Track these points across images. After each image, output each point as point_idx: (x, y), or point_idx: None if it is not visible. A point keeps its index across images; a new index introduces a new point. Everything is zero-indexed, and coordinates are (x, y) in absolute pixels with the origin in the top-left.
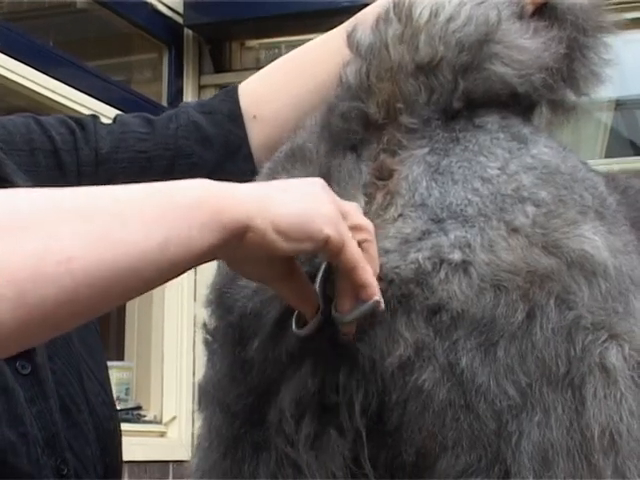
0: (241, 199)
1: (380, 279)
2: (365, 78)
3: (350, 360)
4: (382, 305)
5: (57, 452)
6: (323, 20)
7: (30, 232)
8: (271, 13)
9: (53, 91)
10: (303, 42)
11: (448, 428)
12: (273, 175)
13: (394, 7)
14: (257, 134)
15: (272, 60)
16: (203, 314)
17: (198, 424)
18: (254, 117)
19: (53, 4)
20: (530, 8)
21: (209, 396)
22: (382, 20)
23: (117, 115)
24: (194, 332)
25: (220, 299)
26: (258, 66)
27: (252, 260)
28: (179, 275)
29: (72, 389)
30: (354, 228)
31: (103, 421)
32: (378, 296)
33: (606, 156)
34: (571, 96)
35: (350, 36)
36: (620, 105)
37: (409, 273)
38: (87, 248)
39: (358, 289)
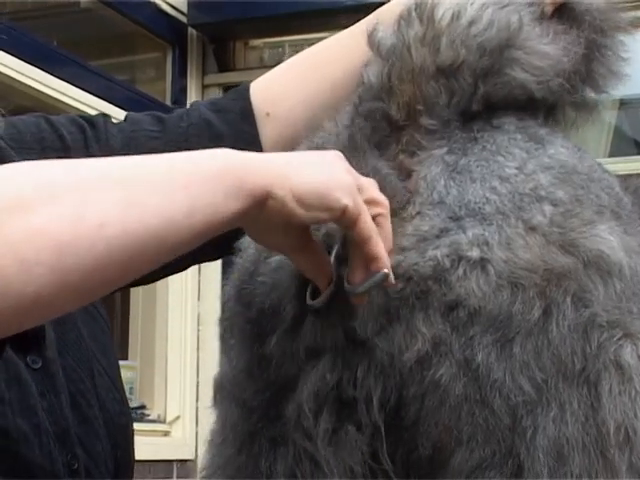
0: (263, 167)
1: (398, 276)
2: (387, 79)
3: (368, 355)
4: (392, 278)
5: (68, 447)
6: (327, 19)
7: (65, 200)
8: (275, 12)
9: (57, 90)
10: (307, 41)
11: (464, 422)
12: None
13: (416, 8)
14: (269, 132)
15: (276, 59)
16: (207, 313)
17: (204, 422)
18: (267, 115)
19: (57, 4)
20: (549, 9)
21: (225, 392)
22: (404, 21)
23: (128, 114)
24: (198, 331)
25: (238, 295)
26: (262, 65)
27: (271, 229)
28: (204, 241)
29: (83, 385)
30: (369, 202)
31: (114, 417)
32: (388, 268)
33: (610, 155)
34: (591, 95)
35: (371, 36)
36: (624, 104)
37: (427, 270)
38: (119, 214)
39: (369, 261)
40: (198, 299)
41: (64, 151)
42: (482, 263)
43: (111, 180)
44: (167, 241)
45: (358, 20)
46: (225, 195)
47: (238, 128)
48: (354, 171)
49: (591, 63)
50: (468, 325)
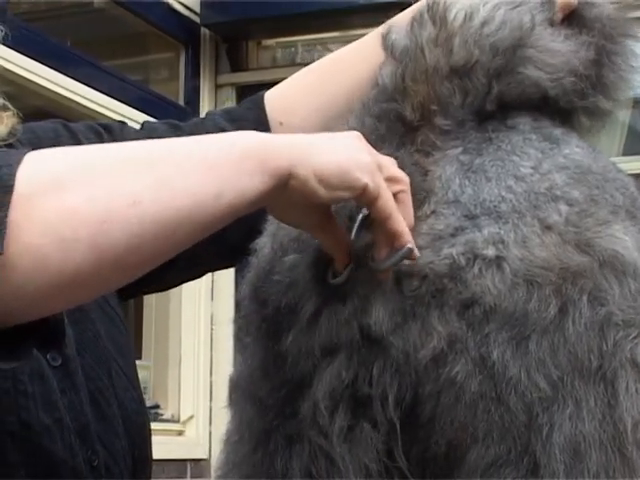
0: (285, 148)
1: (413, 274)
2: (400, 80)
3: (384, 353)
4: (416, 252)
5: (88, 443)
6: (340, 19)
7: (98, 180)
8: (288, 12)
9: (70, 91)
10: (320, 41)
11: (479, 420)
12: None
13: (428, 10)
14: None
15: (289, 59)
16: (220, 313)
17: (218, 421)
18: (280, 124)
19: (70, 4)
20: (559, 16)
21: (240, 390)
22: (416, 23)
23: (145, 121)
24: (211, 331)
25: (254, 293)
26: (275, 65)
27: (293, 207)
28: (231, 221)
29: (101, 383)
30: (390, 180)
31: (131, 415)
32: (411, 243)
33: (624, 154)
34: (603, 102)
35: (385, 38)
36: (638, 103)
37: (443, 268)
38: (152, 194)
39: (392, 238)
40: (211, 299)
41: None
42: (498, 261)
43: (142, 162)
44: (196, 221)
45: (371, 20)
46: (251, 176)
47: None
48: (374, 151)
49: (602, 69)
50: (484, 323)
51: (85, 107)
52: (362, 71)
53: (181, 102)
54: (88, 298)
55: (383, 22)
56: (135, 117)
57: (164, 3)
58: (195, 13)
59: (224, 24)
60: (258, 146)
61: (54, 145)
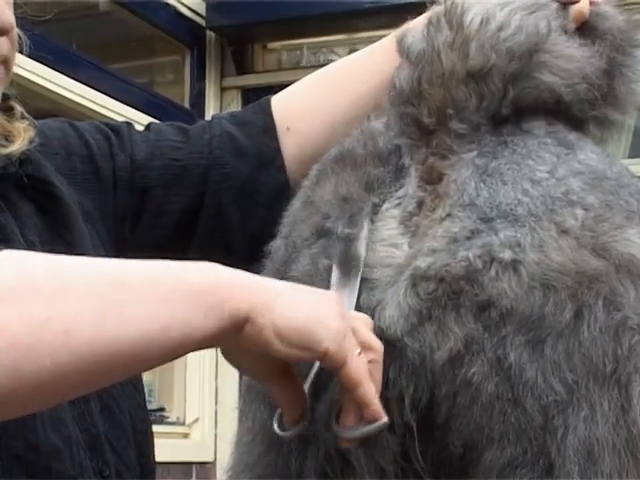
0: (250, 291)
1: (430, 278)
2: (417, 84)
3: (399, 355)
4: (386, 424)
5: (98, 454)
6: (345, 22)
7: (39, 299)
8: (293, 15)
9: (76, 93)
10: (325, 44)
11: (495, 421)
12: (321, 177)
13: (445, 14)
14: (290, 146)
15: (294, 62)
16: None
17: (223, 424)
18: (287, 129)
19: (75, 7)
20: (572, 27)
21: (253, 392)
22: (433, 26)
23: (150, 123)
24: None
25: None
26: (280, 68)
27: (247, 353)
28: (176, 358)
29: (114, 391)
30: (363, 346)
31: (138, 423)
32: (384, 417)
33: (630, 156)
34: (613, 113)
35: (401, 42)
36: None
37: (460, 270)
38: (91, 322)
39: (361, 406)
40: None
41: (89, 159)
42: (514, 264)
43: (92, 284)
44: (140, 355)
45: (376, 22)
46: (205, 315)
47: (260, 141)
48: (348, 314)
49: (613, 80)
50: (500, 325)
51: (90, 109)
52: (369, 79)
53: (186, 105)
54: (13, 416)
55: (388, 25)
56: (140, 120)
57: (169, 6)
58: (200, 16)
59: (229, 27)
60: (220, 283)
61: (63, 146)
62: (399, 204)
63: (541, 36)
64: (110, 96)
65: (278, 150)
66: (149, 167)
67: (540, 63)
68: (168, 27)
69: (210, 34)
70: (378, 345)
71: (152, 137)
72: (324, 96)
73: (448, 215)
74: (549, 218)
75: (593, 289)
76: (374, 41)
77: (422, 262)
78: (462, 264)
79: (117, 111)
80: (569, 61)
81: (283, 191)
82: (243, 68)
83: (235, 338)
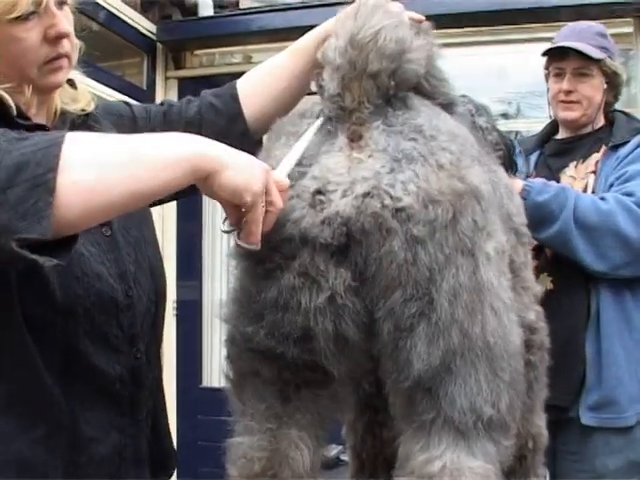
0: (210, 161)
1: (373, 195)
2: (341, 81)
3: (351, 233)
4: (256, 250)
5: (125, 281)
6: (240, 39)
7: (92, 167)
8: (209, 34)
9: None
10: (229, 52)
11: (403, 274)
12: (285, 124)
13: (350, 39)
14: (249, 107)
15: (210, 62)
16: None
17: None
18: (246, 97)
19: (75, 27)
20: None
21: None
22: (343, 44)
23: (164, 100)
24: None
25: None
26: (200, 65)
27: (212, 195)
28: (169, 193)
29: (138, 247)
30: (269, 202)
31: (156, 268)
32: (258, 244)
33: None
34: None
35: (324, 53)
36: None
37: (385, 189)
38: (120, 180)
39: (247, 232)
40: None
41: (132, 119)
42: (416, 190)
43: (122, 158)
44: (144, 193)
45: (263, 40)
46: (182, 174)
47: (230, 105)
48: (269, 176)
49: (430, 67)
50: (407, 222)
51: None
52: (288, 76)
53: (144, 87)
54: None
55: (275, 45)
56: (118, 97)
57: (133, 27)
58: (153, 33)
59: (171, 41)
60: (196, 154)
61: (118, 110)
62: (339, 150)
63: (408, 43)
64: (98, 82)
65: (241, 110)
66: (169, 121)
67: (407, 60)
68: (133, 40)
69: (159, 45)
70: (278, 202)
71: (166, 108)
72: (265, 87)
73: (370, 156)
74: (432, 158)
75: (461, 202)
76: (265, 52)
77: (359, 186)
78: (385, 188)
79: (102, 92)
80: (419, 51)
81: (245, 135)
82: (179, 66)
83: (203, 184)
